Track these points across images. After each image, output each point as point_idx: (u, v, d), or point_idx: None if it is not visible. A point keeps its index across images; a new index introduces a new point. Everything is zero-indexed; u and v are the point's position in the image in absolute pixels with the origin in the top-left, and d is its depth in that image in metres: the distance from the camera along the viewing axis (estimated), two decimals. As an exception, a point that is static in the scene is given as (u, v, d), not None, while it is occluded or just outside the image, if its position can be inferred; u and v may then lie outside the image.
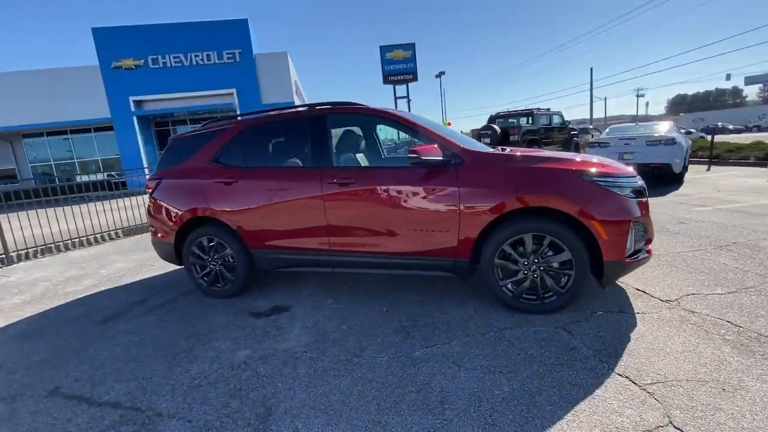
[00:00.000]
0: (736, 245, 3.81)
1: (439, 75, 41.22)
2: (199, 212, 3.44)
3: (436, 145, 2.77)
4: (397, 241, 2.94)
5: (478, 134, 14.26)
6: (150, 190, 3.73)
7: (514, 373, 2.11)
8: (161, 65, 21.21)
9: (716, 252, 3.68)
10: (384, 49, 38.50)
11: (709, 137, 12.13)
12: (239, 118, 3.64)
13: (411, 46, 38.96)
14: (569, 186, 2.55)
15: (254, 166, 3.37)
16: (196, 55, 21.36)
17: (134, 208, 7.67)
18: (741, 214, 5.03)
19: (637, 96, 71.14)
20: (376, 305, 3.14)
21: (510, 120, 14.50)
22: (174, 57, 21.20)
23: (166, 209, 3.61)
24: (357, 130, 3.73)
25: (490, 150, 3.08)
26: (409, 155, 2.73)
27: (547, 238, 2.61)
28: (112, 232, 7.06)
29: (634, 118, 66.16)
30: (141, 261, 5.30)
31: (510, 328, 2.59)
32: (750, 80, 51.32)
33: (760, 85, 63.01)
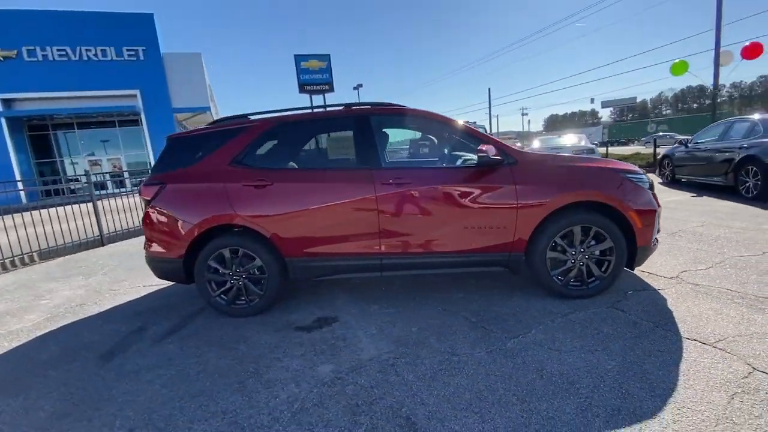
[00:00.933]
0: (683, 232, 4.71)
1: (357, 87, 42.05)
2: (222, 220, 3.03)
3: (492, 146, 2.92)
4: (455, 239, 2.99)
5: (417, 144, 14.92)
6: (148, 198, 3.15)
7: (607, 350, 2.32)
8: (40, 58, 17.85)
9: (672, 238, 4.49)
10: (299, 59, 38.05)
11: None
12: (259, 117, 3.31)
13: (326, 57, 39.11)
14: (612, 182, 2.92)
15: (291, 168, 3.10)
16: (87, 49, 18.45)
17: (28, 225, 5.98)
18: (664, 209, 6.18)
19: (522, 114, 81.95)
20: (428, 306, 3.13)
21: (442, 131, 15.50)
22: (58, 50, 18.03)
23: (174, 219, 3.10)
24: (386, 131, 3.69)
25: (535, 152, 3.34)
26: (479, 154, 2.83)
27: (593, 229, 2.93)
28: (25, 256, 5.68)
29: (519, 134, 75.92)
30: (93, 286, 4.39)
31: (571, 312, 2.83)
32: (605, 104, 62.91)
33: (611, 108, 77.85)
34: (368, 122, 3.11)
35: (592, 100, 51.72)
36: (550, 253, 2.99)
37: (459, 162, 3.56)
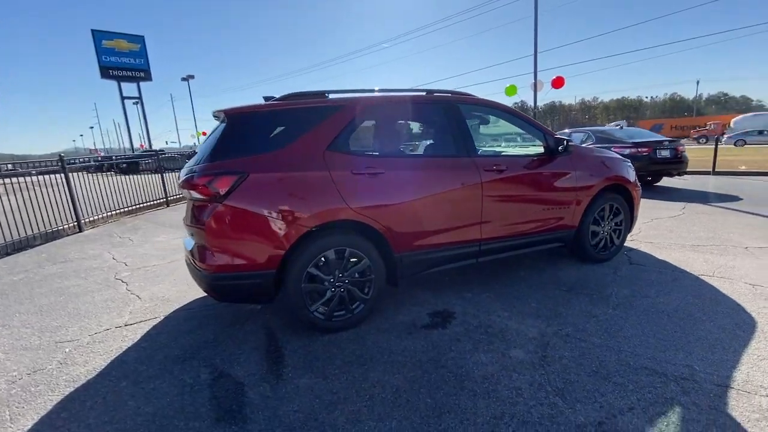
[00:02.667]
0: (590, 210, 6.32)
1: (187, 78, 36.78)
2: (334, 216, 2.50)
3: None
4: (537, 220, 3.33)
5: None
6: (222, 192, 2.29)
7: (674, 290, 3.10)
8: None
9: (590, 215, 5.99)
10: (99, 35, 31.69)
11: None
12: (341, 96, 2.83)
13: (140, 39, 33.64)
14: (625, 168, 3.81)
15: (399, 154, 2.80)
16: None
17: None
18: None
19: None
20: (512, 285, 3.35)
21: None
22: None
23: (267, 218, 2.36)
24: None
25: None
26: (567, 143, 3.23)
27: (615, 206, 3.76)
28: None
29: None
30: (15, 344, 2.76)
31: (614, 272, 3.56)
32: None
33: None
34: (459, 110, 3.11)
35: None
36: (592, 227, 3.68)
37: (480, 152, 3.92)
